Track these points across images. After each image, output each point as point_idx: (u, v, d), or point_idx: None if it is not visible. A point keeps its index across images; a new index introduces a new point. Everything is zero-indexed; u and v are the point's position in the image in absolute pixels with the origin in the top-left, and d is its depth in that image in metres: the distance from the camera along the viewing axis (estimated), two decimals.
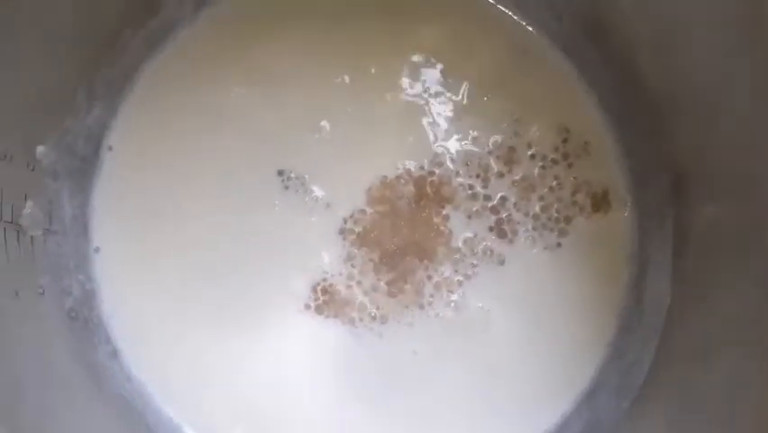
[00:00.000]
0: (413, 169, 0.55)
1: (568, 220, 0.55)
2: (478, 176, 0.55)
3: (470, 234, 0.55)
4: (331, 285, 0.54)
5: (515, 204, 0.55)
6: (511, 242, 0.55)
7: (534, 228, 0.55)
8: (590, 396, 0.54)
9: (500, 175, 0.55)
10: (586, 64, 0.56)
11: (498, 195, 0.55)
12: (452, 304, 0.54)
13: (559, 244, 0.55)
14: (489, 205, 0.55)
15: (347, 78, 0.56)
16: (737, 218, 0.48)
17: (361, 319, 0.54)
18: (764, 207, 0.45)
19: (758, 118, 0.45)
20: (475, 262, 0.55)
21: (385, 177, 0.55)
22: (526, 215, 0.55)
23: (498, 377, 0.54)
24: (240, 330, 0.54)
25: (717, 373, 0.47)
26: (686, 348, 0.50)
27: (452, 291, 0.54)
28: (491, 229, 0.55)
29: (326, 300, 0.54)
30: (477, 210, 0.55)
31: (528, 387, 0.54)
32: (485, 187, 0.55)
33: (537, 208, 0.55)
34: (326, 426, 0.54)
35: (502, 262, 0.55)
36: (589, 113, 0.56)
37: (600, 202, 0.56)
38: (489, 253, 0.55)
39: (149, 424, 0.53)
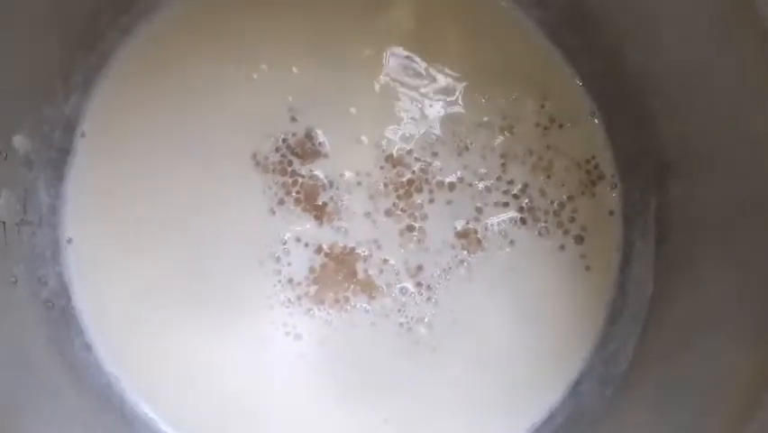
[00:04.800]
0: (394, 153, 0.55)
1: (557, 213, 0.55)
2: (465, 167, 0.55)
3: (459, 228, 0.55)
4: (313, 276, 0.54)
5: (502, 199, 0.55)
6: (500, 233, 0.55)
7: (522, 220, 0.55)
8: (575, 385, 0.54)
9: (489, 167, 0.55)
10: (571, 51, 0.56)
11: (485, 185, 0.55)
12: (439, 299, 0.54)
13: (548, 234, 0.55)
14: (478, 198, 0.55)
15: (324, 62, 0.55)
16: (720, 205, 0.48)
17: (346, 310, 0.53)
18: (747, 194, 0.46)
19: (740, 106, 0.45)
20: (465, 254, 0.54)
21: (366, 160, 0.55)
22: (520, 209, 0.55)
23: (487, 372, 0.54)
24: (215, 324, 0.53)
25: (700, 359, 0.47)
26: (668, 335, 0.51)
27: (439, 284, 0.54)
28: (478, 220, 0.55)
29: (308, 292, 0.54)
30: (465, 201, 0.55)
31: (517, 381, 0.54)
32: (476, 178, 0.55)
33: (526, 201, 0.55)
34: (307, 423, 0.53)
35: (491, 256, 0.54)
36: (574, 98, 0.56)
37: (587, 187, 0.56)
38: (477, 245, 0.54)
39: (126, 418, 0.52)
